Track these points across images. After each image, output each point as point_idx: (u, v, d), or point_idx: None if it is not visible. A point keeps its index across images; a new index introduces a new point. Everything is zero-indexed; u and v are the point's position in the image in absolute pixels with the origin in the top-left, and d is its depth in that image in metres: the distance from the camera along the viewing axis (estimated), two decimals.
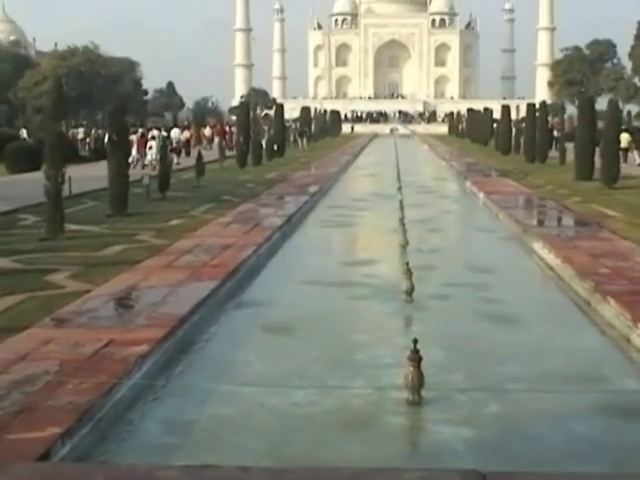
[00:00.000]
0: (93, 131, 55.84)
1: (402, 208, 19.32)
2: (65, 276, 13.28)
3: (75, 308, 10.87)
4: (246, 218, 20.40)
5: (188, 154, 46.32)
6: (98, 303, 11.17)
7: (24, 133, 55.89)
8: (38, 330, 9.78)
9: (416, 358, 8.04)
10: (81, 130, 60.99)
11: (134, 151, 39.14)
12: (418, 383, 8.01)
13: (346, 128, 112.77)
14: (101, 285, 12.35)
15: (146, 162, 37.48)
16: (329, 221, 22.27)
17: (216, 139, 55.87)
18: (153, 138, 40.58)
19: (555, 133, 51.26)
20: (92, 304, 11.10)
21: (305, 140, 67.39)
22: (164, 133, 45.50)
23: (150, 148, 37.73)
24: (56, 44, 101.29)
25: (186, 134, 53.55)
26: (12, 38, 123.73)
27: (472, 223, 23.68)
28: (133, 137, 42.16)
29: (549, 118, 52.08)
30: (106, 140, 44.07)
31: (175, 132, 51.20)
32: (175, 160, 39.28)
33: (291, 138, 66.09)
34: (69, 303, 11.13)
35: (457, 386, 8.69)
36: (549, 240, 16.52)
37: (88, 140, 54.62)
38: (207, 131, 65.59)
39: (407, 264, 12.69)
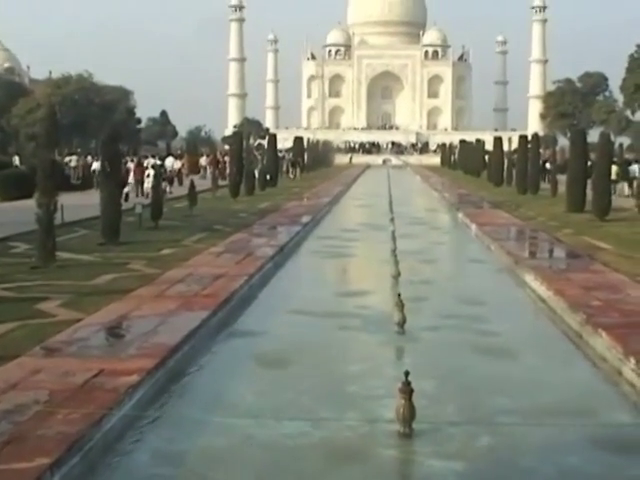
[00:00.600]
0: (80, 159, 55.61)
1: (394, 239, 19.35)
2: (56, 304, 13.22)
3: (66, 337, 10.83)
4: (238, 248, 20.39)
5: (180, 183, 46.34)
6: (89, 332, 11.13)
7: (16, 160, 55.86)
8: (28, 359, 9.74)
9: (407, 390, 8.02)
10: (74, 158, 60.94)
11: (131, 179, 39.29)
12: (409, 415, 7.98)
13: (339, 159, 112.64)
14: (92, 314, 12.31)
15: (144, 190, 37.45)
16: (321, 252, 22.26)
17: (209, 168, 55.90)
18: (152, 167, 40.85)
19: (548, 166, 51.38)
20: (83, 333, 11.06)
21: (298, 170, 67.45)
22: (159, 162, 45.83)
23: (148, 176, 37.83)
24: (50, 72, 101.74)
25: (177, 163, 53.58)
26: (6, 65, 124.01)
27: (464, 255, 23.69)
28: (131, 165, 42.45)
29: (541, 150, 52.27)
30: (92, 168, 44.40)
31: (169, 161, 51.34)
32: (168, 189, 39.48)
33: (284, 168, 66.17)
34: (60, 332, 11.09)
35: (448, 418, 8.66)
36: (541, 272, 16.53)
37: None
38: (204, 160, 65.58)
39: (399, 295, 12.69)
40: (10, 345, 10.51)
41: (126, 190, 32.85)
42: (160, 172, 35.13)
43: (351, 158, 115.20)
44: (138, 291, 14.25)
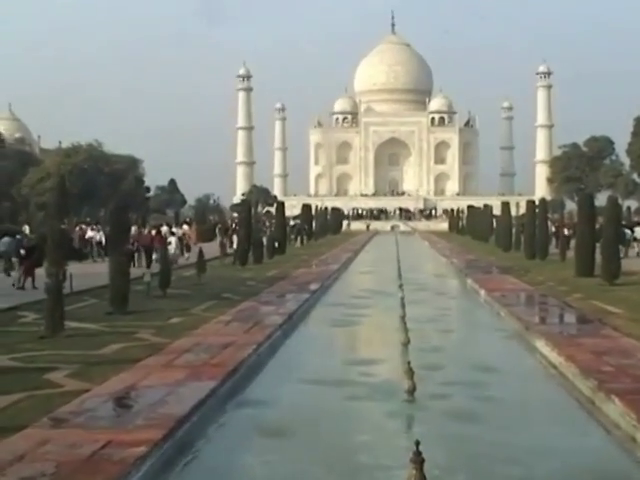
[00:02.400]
0: (77, 229, 55.43)
1: (403, 306, 19.29)
2: (64, 375, 13.19)
3: (73, 408, 10.77)
4: (247, 316, 20.33)
5: (182, 251, 46.28)
6: (97, 403, 11.06)
7: (26, 229, 56.10)
8: (35, 430, 9.67)
9: (418, 460, 7.89)
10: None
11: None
12: None
13: (348, 225, 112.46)
14: (100, 384, 12.26)
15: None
16: (330, 319, 22.15)
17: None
18: (173, 234, 41.53)
19: (565, 232, 50.72)
20: (90, 404, 10.99)
21: (305, 237, 67.41)
22: (174, 229, 46.44)
23: (170, 243, 38.22)
24: (60, 142, 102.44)
25: (178, 230, 53.51)
26: (17, 135, 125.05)
27: (473, 321, 23.58)
28: (152, 232, 43.04)
29: (549, 215, 52.18)
30: (87, 236, 44.46)
31: (185, 228, 51.75)
32: (186, 255, 40.09)
33: (292, 236, 66.31)
34: (67, 402, 11.04)
35: None
36: (551, 338, 16.43)
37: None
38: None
39: (408, 363, 12.61)
40: (17, 416, 10.46)
41: (154, 257, 33.51)
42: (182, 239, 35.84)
43: (369, 226, 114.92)
44: (146, 361, 14.19)
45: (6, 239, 30.12)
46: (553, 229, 55.14)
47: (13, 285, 27.06)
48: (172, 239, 39.36)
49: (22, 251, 27.49)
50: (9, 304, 22.47)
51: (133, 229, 46.23)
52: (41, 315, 18.49)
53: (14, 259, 28.32)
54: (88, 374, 13.13)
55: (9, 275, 29.64)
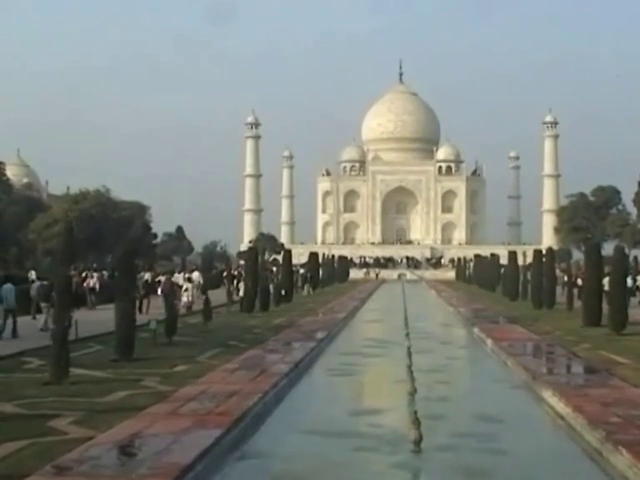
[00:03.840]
0: (76, 276, 54.88)
1: (410, 355, 19.21)
2: (68, 422, 13.13)
3: (77, 456, 10.70)
4: (252, 364, 20.24)
5: (204, 292, 46.37)
6: (101, 451, 11.00)
7: (33, 275, 56.11)
8: (38, 478, 9.62)
9: None
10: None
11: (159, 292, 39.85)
12: None
13: (354, 274, 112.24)
14: (104, 432, 12.20)
15: (182, 304, 37.40)
16: (336, 368, 22.05)
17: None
18: (189, 280, 41.62)
19: (579, 281, 50.44)
20: (95, 452, 10.93)
21: (310, 286, 67.24)
22: (186, 275, 46.65)
23: (186, 290, 38.31)
24: (68, 187, 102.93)
25: (194, 276, 53.75)
26: (25, 181, 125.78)
27: (480, 371, 23.46)
28: (162, 278, 43.17)
29: (557, 264, 51.98)
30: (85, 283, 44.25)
31: (195, 275, 51.89)
32: (202, 297, 40.27)
33: (299, 284, 66.26)
34: (71, 450, 10.98)
35: None
36: (559, 388, 16.33)
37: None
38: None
39: (415, 413, 12.52)
40: (20, 464, 10.40)
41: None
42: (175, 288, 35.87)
43: (378, 274, 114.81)
44: (151, 408, 14.13)
45: (37, 284, 30.68)
46: (565, 279, 54.92)
47: (41, 330, 27.24)
48: (188, 285, 39.49)
49: (53, 294, 27.73)
50: (13, 350, 22.44)
51: (151, 276, 46.66)
52: (46, 361, 18.45)
53: (43, 304, 28.62)
54: (93, 421, 13.06)
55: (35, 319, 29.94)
